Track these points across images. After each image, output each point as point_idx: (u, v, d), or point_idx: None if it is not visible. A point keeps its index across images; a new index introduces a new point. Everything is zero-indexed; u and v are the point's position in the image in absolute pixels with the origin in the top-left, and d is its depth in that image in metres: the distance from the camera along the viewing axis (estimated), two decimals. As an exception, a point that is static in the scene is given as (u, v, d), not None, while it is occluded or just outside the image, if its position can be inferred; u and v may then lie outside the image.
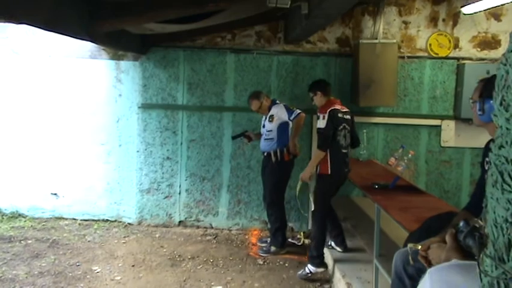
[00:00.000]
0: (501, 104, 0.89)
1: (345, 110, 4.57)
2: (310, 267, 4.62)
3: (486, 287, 0.95)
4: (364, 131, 5.49)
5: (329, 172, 4.49)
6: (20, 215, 6.07)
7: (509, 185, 0.87)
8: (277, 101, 5.26)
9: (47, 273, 4.46)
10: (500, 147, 0.89)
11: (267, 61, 5.91)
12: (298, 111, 5.09)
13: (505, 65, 0.89)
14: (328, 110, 4.43)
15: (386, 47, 5.50)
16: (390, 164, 4.54)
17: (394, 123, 5.89)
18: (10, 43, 5.98)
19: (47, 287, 4.17)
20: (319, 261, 4.61)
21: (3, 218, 5.95)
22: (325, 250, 4.82)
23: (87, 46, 5.79)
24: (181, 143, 5.98)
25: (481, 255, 0.99)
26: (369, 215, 4.86)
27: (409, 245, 2.48)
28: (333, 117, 4.43)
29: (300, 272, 4.73)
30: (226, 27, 5.64)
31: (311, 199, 4.89)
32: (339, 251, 4.81)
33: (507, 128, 0.87)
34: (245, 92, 5.81)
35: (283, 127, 5.13)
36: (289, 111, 5.09)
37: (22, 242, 5.28)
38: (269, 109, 5.20)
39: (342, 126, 4.50)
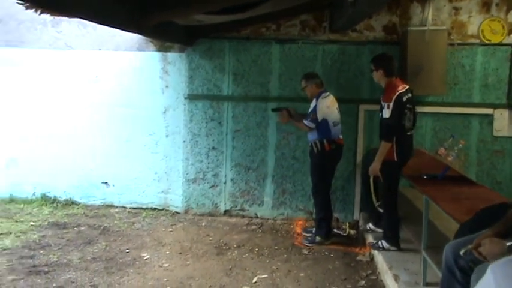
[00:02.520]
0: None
1: (406, 89, 4.42)
2: (384, 243, 4.58)
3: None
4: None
5: (395, 158, 4.41)
6: (73, 202, 6.32)
7: None
8: (326, 93, 5.15)
9: (98, 259, 4.62)
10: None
11: (312, 50, 5.86)
12: (312, 125, 5.00)
13: None
14: (394, 98, 4.28)
15: (436, 34, 5.35)
16: (440, 154, 4.41)
17: (443, 112, 5.73)
18: (64, 37, 6.19)
19: (99, 272, 4.32)
20: (394, 240, 4.57)
21: (58, 205, 6.22)
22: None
23: (135, 38, 5.93)
24: (227, 133, 6.03)
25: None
26: (417, 205, 4.76)
27: (461, 252, 2.43)
28: (399, 104, 4.29)
29: (373, 243, 4.74)
30: (271, 18, 5.63)
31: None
32: (379, 231, 4.87)
33: None
34: (290, 81, 5.80)
35: (323, 120, 5.05)
36: (312, 113, 5.03)
37: (75, 228, 5.49)
38: (316, 98, 5.12)
39: (407, 109, 4.38)
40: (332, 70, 5.84)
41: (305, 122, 5.06)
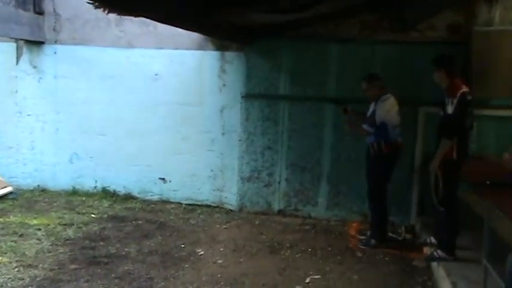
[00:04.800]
0: None
1: (469, 90, 4.32)
2: (440, 253, 4.45)
3: None
4: (474, 123, 5.16)
5: (454, 157, 4.30)
6: (131, 197, 6.53)
7: None
8: (387, 94, 5.02)
9: (155, 253, 4.75)
10: None
11: (371, 50, 5.76)
12: (371, 129, 4.96)
13: None
14: (459, 94, 4.21)
15: (504, 34, 5.13)
16: (504, 160, 4.24)
17: (508, 115, 5.47)
18: (126, 36, 6.40)
19: (155, 265, 4.43)
20: (451, 250, 4.43)
21: (117, 199, 6.44)
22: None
23: (194, 37, 6.04)
24: (282, 133, 6.04)
25: None
26: (477, 212, 4.58)
27: None
28: (464, 101, 4.22)
29: (427, 255, 4.64)
30: (329, 17, 5.57)
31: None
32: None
33: None
34: (348, 82, 5.72)
35: (381, 123, 4.96)
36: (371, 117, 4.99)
37: (133, 222, 5.66)
38: (375, 101, 5.03)
39: (470, 109, 4.31)
40: (391, 71, 5.69)
41: (364, 126, 5.01)
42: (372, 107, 5.04)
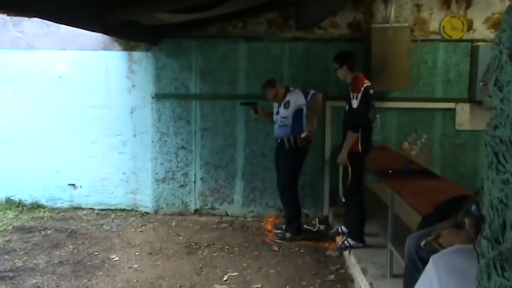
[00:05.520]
0: (495, 84, 0.89)
1: (370, 84, 4.54)
2: (350, 241, 4.62)
3: (483, 268, 0.95)
4: (378, 116, 5.45)
5: (360, 150, 4.50)
6: (39, 206, 6.20)
7: (503, 166, 0.87)
8: (291, 88, 5.25)
9: (66, 262, 4.56)
10: (495, 127, 0.89)
11: (278, 48, 5.89)
12: (313, 91, 5.09)
13: (498, 44, 0.88)
14: (363, 89, 4.40)
15: (399, 30, 5.45)
16: (404, 149, 4.51)
17: (407, 107, 5.84)
18: (25, 37, 6.05)
19: (67, 276, 4.26)
20: (360, 237, 4.63)
21: (23, 209, 6.09)
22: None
23: (100, 38, 5.83)
24: (195, 132, 6.02)
25: (478, 237, 1.00)
26: (383, 200, 4.85)
27: (422, 243, 2.50)
28: (367, 95, 4.42)
29: (339, 245, 4.79)
30: (237, 16, 5.63)
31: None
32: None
33: (501, 109, 0.87)
34: (257, 80, 5.80)
35: (298, 114, 5.13)
36: (306, 94, 5.08)
37: (42, 232, 5.39)
38: (284, 96, 5.18)
39: (372, 102, 4.52)
40: (299, 67, 5.88)
41: (308, 99, 5.10)
42: (283, 101, 5.17)
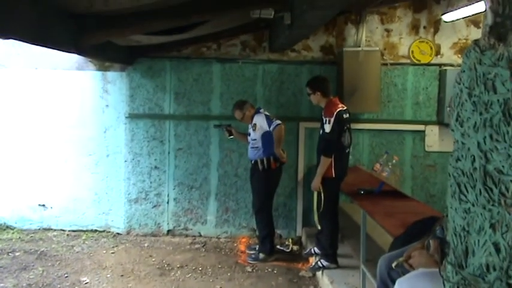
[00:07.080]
0: (457, 119, 0.95)
1: (345, 109, 4.54)
2: (323, 262, 4.65)
3: (448, 293, 1.00)
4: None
5: (333, 175, 4.49)
6: (7, 227, 6.06)
7: (465, 196, 0.92)
8: (261, 110, 5.28)
9: (35, 285, 4.46)
10: (457, 160, 0.95)
11: (252, 70, 5.97)
12: (277, 122, 5.06)
13: (459, 83, 0.95)
14: (335, 113, 4.39)
15: (370, 54, 5.60)
16: (375, 170, 4.59)
17: (378, 129, 5.97)
18: (-4, 56, 5.99)
19: (36, 299, 4.17)
20: (333, 258, 4.65)
21: (-10, 231, 5.94)
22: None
23: (74, 58, 5.80)
24: (169, 152, 6.01)
25: (444, 262, 1.05)
26: (356, 220, 4.92)
27: (393, 264, 2.55)
28: (339, 120, 4.40)
29: (312, 266, 4.82)
30: (211, 37, 5.70)
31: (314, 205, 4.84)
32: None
33: (462, 143, 0.93)
34: (231, 100, 5.85)
35: (266, 136, 5.12)
36: (269, 121, 5.09)
37: (10, 254, 5.27)
38: (252, 118, 5.23)
39: (346, 127, 4.49)
40: (272, 89, 5.96)
41: (271, 129, 5.09)
42: (251, 123, 5.22)
